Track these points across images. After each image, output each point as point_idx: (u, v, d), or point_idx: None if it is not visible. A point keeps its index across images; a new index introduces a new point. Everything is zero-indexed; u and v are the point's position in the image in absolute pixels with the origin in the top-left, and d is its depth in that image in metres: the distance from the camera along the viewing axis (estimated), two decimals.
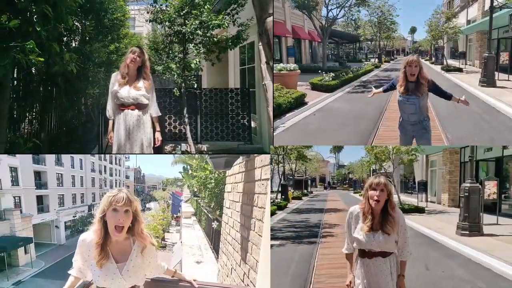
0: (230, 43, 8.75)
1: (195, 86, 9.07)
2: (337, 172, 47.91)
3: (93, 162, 41.89)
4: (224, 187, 9.29)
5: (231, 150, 9.13)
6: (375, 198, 3.36)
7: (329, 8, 16.08)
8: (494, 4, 12.12)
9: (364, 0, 16.63)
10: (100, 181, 44.01)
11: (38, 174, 30.58)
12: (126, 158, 53.89)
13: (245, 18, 8.73)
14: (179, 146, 9.29)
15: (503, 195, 13.87)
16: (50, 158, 30.94)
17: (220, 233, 8.38)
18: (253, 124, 9.94)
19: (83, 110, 10.36)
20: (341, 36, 19.92)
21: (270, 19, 7.43)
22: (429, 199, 19.77)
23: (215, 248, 10.49)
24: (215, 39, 8.48)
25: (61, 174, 34.14)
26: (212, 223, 11.30)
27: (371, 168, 30.33)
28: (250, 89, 10.00)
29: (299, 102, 11.25)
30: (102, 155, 40.68)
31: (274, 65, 12.55)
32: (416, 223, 12.72)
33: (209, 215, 13.25)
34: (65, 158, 33.90)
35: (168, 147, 9.27)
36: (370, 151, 18.98)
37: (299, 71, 13.02)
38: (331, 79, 13.86)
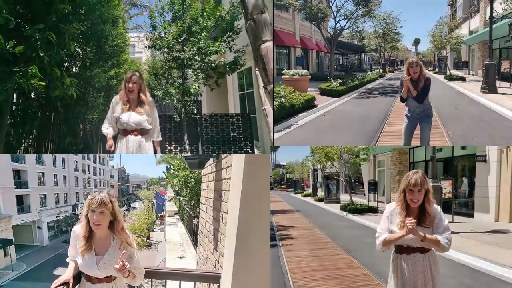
0: (227, 69, 9.33)
1: (195, 112, 9.58)
2: (273, 172, 48.35)
3: (76, 161, 42.11)
4: None
5: None
6: (414, 200, 3.49)
7: (337, 19, 17.22)
8: (494, 14, 12.86)
9: (370, 11, 17.41)
10: (84, 180, 44.28)
11: (17, 173, 30.82)
12: (110, 157, 54.14)
13: (241, 45, 9.29)
14: None
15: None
16: (30, 156, 31.10)
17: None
18: (256, 151, 10.29)
19: (81, 136, 10.69)
20: (346, 47, 20.93)
21: (264, 45, 7.75)
22: (377, 199, 20.64)
23: (196, 244, 11.06)
24: (213, 64, 9.08)
25: (43, 173, 34.42)
26: (193, 220, 11.86)
27: (313, 168, 30.98)
28: (251, 115, 10.46)
29: (310, 104, 12.43)
30: (86, 155, 40.84)
31: (287, 70, 13.99)
32: (374, 223, 13.38)
33: (191, 212, 14.00)
34: (47, 157, 34.12)
35: None
36: (320, 150, 19.77)
37: (309, 76, 14.45)
38: (338, 85, 15.09)
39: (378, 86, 18.14)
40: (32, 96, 8.08)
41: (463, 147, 14.67)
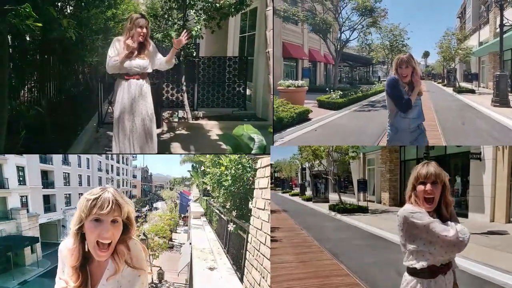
0: (232, 9, 8.38)
1: (194, 55, 8.84)
2: None
3: (100, 161, 41.88)
4: (241, 184, 9.33)
5: (226, 116, 9.11)
6: (427, 194, 2.53)
7: (342, 29, 16.14)
8: (505, 22, 11.82)
9: (375, 22, 16.67)
10: (107, 180, 43.89)
11: (45, 173, 30.53)
12: (133, 157, 53.78)
13: None
14: (176, 113, 9.16)
15: None
16: (57, 157, 31.03)
17: (236, 236, 7.83)
18: (248, 92, 9.96)
19: (81, 79, 9.98)
20: (354, 59, 20.11)
21: None
22: (367, 198, 19.09)
23: (230, 253, 9.74)
24: (217, 4, 8.17)
25: (68, 173, 34.20)
26: (228, 225, 10.21)
27: (302, 166, 29.76)
28: (249, 58, 9.97)
29: (302, 118, 10.79)
30: (109, 155, 40.72)
31: (283, 81, 12.39)
32: (364, 224, 12.23)
33: (222, 216, 12.01)
34: (72, 157, 34.03)
35: (165, 114, 9.15)
36: (307, 148, 18.66)
37: (306, 88, 12.89)
38: (338, 97, 13.65)
39: (383, 98, 16.82)
40: (28, 39, 7.33)
41: (458, 146, 13.19)
